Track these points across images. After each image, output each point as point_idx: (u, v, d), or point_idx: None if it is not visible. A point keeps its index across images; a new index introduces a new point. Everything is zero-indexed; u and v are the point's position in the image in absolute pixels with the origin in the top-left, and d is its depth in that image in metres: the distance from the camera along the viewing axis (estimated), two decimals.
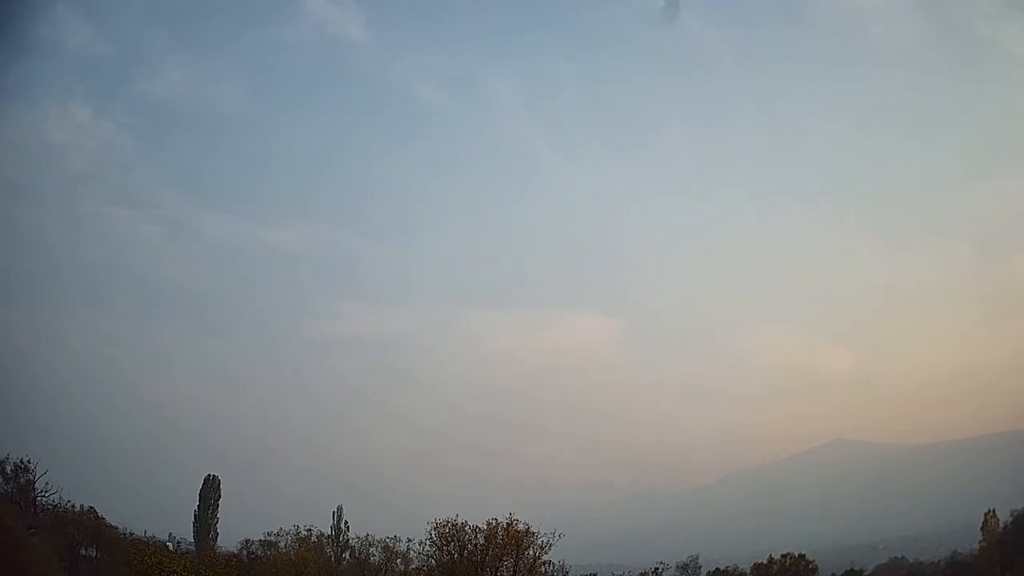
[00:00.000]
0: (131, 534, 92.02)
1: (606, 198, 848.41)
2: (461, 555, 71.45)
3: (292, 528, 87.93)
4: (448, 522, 71.88)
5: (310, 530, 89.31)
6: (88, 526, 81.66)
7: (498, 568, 71.79)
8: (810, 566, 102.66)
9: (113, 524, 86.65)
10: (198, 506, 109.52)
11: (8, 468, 78.91)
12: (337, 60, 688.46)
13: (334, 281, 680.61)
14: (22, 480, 79.17)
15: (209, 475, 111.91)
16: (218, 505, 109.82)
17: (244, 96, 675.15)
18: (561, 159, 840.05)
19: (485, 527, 71.55)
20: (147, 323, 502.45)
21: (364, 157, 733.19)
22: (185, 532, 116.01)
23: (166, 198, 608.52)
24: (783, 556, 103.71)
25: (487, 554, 71.29)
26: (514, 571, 71.83)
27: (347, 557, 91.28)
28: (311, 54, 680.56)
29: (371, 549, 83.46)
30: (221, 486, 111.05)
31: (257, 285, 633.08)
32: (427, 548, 73.82)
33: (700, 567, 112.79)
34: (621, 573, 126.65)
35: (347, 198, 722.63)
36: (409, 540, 79.39)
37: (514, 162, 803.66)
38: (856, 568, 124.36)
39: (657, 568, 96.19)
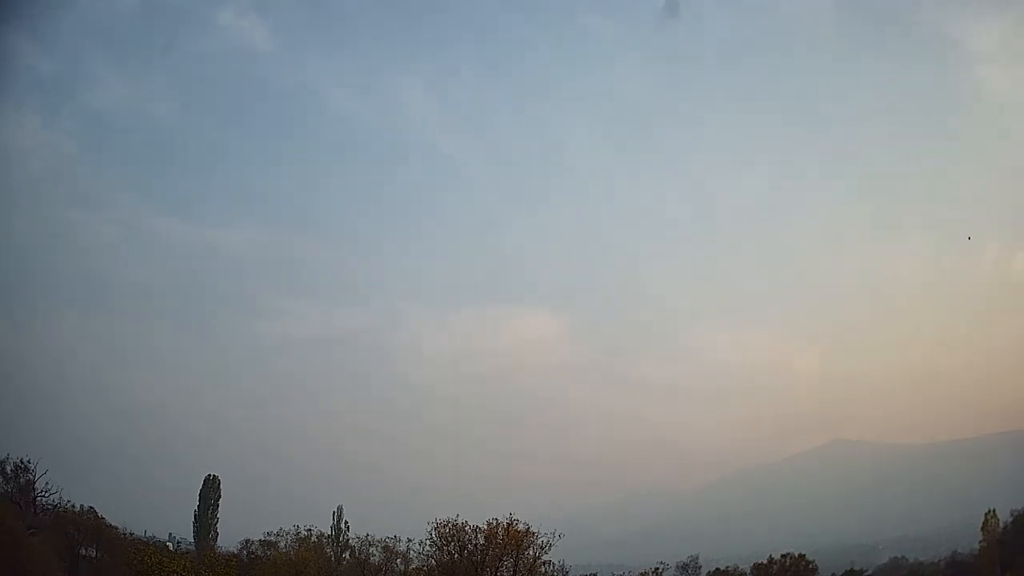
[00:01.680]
0: (131, 534, 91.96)
1: (527, 196, 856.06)
2: (461, 555, 71.42)
3: (292, 528, 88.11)
4: (448, 522, 71.90)
5: (310, 530, 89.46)
6: (88, 526, 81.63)
7: (498, 568, 71.74)
8: (810, 566, 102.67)
9: (113, 524, 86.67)
10: (198, 506, 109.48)
11: (8, 468, 78.93)
12: (250, 70, 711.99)
13: (286, 280, 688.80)
14: (22, 480, 79.15)
15: (209, 475, 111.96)
16: (218, 505, 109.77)
17: (175, 106, 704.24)
18: (481, 156, 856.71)
19: (485, 527, 71.58)
20: (124, 323, 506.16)
21: (290, 161, 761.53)
22: (185, 532, 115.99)
23: (118, 201, 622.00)
24: (783, 556, 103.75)
25: (487, 554, 71.25)
26: (514, 571, 71.79)
27: (347, 557, 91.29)
28: (228, 65, 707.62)
29: (371, 549, 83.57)
30: (221, 486, 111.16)
31: (211, 284, 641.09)
32: (427, 548, 73.91)
33: (700, 567, 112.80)
34: (621, 573, 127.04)
35: (287, 201, 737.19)
36: (409, 540, 79.55)
37: (433, 161, 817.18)
38: (856, 568, 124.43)
39: (657, 568, 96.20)
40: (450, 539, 71.76)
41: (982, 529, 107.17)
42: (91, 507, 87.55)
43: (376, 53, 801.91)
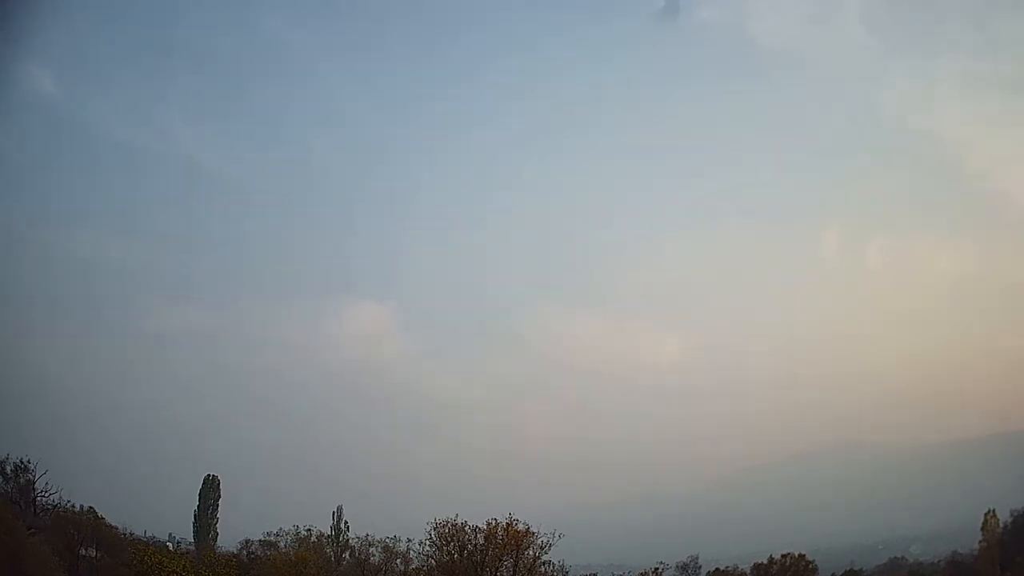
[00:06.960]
0: (131, 534, 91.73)
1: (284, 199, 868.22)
2: (461, 555, 71.57)
3: (292, 528, 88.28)
4: (448, 522, 72.07)
5: (310, 530, 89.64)
6: (88, 526, 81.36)
7: (498, 568, 71.92)
8: (810, 566, 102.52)
9: (113, 524, 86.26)
10: (198, 506, 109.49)
11: (8, 468, 78.91)
12: (47, 113, 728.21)
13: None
14: (22, 480, 79.14)
15: (209, 475, 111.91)
16: (218, 505, 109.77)
17: (11, 142, 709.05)
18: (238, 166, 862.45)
19: (485, 527, 71.68)
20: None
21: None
22: (185, 532, 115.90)
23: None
24: (783, 556, 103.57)
25: (487, 554, 71.43)
26: (514, 571, 71.96)
27: (347, 557, 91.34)
28: (36, 111, 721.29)
29: (371, 549, 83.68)
30: (221, 486, 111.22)
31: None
32: (427, 548, 74.08)
33: (700, 567, 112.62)
34: (621, 573, 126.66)
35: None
36: (409, 540, 79.68)
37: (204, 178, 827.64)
38: (856, 568, 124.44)
39: (657, 568, 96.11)
40: (450, 539, 72.01)
41: (982, 529, 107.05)
42: (91, 507, 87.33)
43: (138, 86, 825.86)
